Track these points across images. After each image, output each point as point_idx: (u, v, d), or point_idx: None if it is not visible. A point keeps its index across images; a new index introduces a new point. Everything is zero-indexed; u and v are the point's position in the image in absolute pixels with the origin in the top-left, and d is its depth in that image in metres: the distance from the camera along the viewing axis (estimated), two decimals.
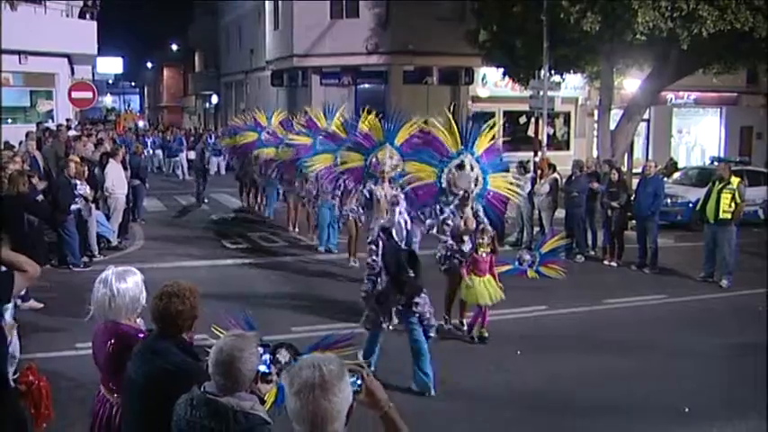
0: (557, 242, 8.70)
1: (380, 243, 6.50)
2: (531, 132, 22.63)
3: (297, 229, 14.18)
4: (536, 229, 13.36)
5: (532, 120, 20.30)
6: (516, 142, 24.91)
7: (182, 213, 17.27)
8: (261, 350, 2.90)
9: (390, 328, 6.99)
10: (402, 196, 6.76)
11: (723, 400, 6.41)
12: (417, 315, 6.33)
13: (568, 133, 27.30)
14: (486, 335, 7.95)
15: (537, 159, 15.92)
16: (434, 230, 7.09)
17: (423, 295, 6.33)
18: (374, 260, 6.57)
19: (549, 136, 20.44)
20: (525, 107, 19.52)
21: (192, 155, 24.33)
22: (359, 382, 2.32)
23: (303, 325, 8.16)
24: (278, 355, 4.13)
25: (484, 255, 7.71)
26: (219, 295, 8.56)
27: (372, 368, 7.49)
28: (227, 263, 11.80)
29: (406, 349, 6.52)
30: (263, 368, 2.91)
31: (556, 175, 13.22)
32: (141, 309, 3.55)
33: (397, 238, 6.41)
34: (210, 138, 23.91)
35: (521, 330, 8.36)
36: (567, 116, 26.94)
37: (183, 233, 14.35)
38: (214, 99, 40.64)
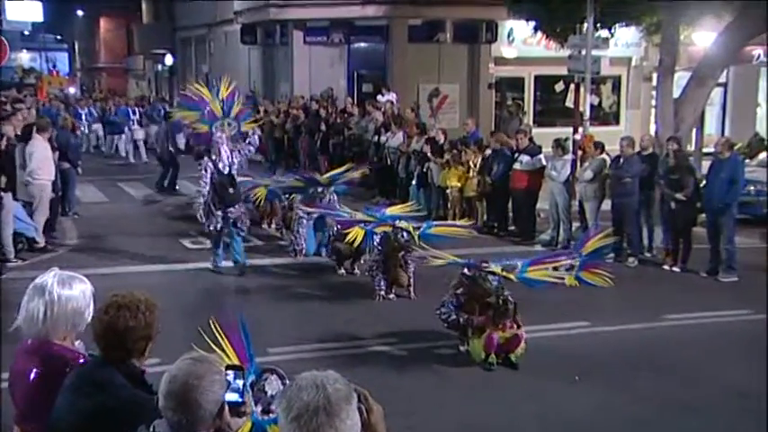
0: (602, 241, 8.75)
1: (208, 170, 11.03)
2: (569, 103, 22.59)
3: (273, 226, 14.21)
4: (576, 224, 13.38)
5: (572, 86, 20.25)
6: (551, 115, 24.88)
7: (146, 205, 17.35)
8: (230, 374, 2.83)
9: None
10: (225, 137, 11.29)
11: None
12: (232, 220, 11.15)
13: (618, 103, 27.25)
14: (515, 360, 8.01)
15: (578, 137, 15.93)
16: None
17: (237, 206, 11.25)
18: (205, 182, 11.06)
19: (593, 107, 20.41)
20: (563, 71, 19.46)
21: (142, 134, 24.36)
22: (361, 407, 2.37)
23: (282, 345, 8.22)
24: (264, 384, 4.13)
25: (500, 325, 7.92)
26: (177, 309, 8.59)
27: (220, 265, 11.44)
28: (187, 267, 11.88)
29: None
30: (233, 397, 2.81)
31: (603, 156, 13.15)
32: (83, 328, 3.46)
33: (221, 167, 11.02)
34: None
35: (557, 352, 8.40)
36: (617, 81, 26.87)
37: (128, 230, 14.38)
38: (168, 60, 40.55)
